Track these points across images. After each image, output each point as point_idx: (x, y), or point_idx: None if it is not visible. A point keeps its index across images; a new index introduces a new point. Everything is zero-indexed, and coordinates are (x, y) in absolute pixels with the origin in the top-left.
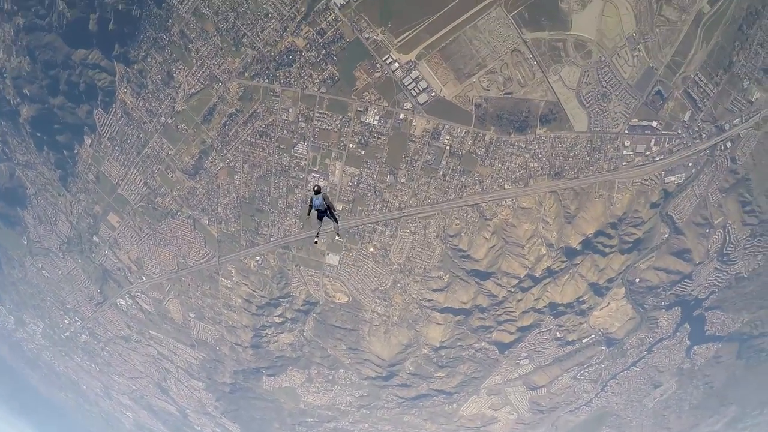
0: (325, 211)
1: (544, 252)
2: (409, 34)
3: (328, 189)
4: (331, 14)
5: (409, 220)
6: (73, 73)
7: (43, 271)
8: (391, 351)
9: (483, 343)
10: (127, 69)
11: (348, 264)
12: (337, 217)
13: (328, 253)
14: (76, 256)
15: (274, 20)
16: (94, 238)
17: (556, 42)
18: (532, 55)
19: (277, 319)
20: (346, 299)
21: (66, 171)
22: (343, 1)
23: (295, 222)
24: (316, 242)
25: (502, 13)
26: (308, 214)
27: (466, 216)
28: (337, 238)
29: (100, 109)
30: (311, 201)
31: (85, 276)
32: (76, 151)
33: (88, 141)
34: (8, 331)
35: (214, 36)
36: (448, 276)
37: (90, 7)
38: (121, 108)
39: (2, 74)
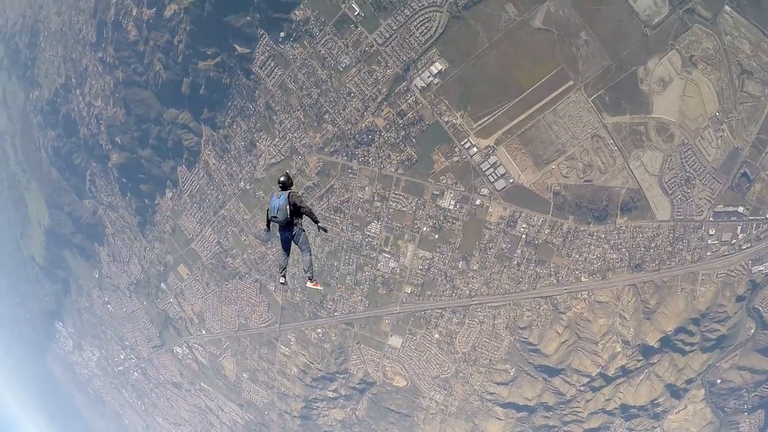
0: (292, 223)
1: (620, 349)
2: (489, 118)
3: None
4: (411, 96)
5: (479, 309)
6: (163, 130)
7: (108, 306)
8: None
9: None
10: (214, 132)
11: (410, 347)
12: (323, 228)
13: (391, 335)
14: (142, 298)
15: (356, 99)
16: (162, 285)
17: (637, 126)
18: (613, 140)
19: (330, 394)
20: (405, 383)
21: (145, 218)
22: (423, 84)
23: (361, 300)
24: (282, 282)
25: (582, 97)
26: (268, 227)
27: (539, 308)
28: (308, 281)
29: (184, 166)
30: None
31: (148, 318)
32: (156, 202)
33: (169, 194)
34: (65, 352)
35: (298, 110)
36: (514, 370)
37: (184, 70)
38: (203, 168)
39: (98, 121)
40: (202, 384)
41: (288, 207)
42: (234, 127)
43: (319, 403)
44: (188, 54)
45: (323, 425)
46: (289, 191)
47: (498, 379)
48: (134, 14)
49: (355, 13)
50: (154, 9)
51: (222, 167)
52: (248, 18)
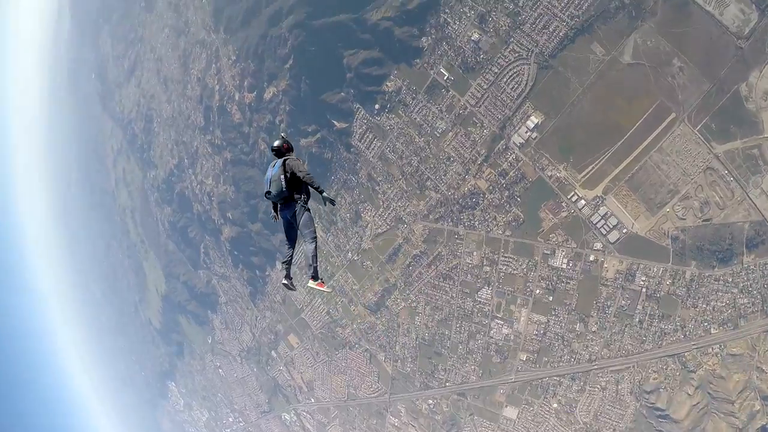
0: (292, 199)
1: (758, 408)
2: (593, 167)
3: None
4: (511, 154)
5: (600, 374)
6: (270, 205)
7: (220, 370)
8: None
9: None
10: (318, 207)
11: (527, 419)
12: (329, 199)
13: (506, 406)
14: (253, 365)
15: (456, 163)
16: (273, 353)
17: (750, 149)
18: (727, 171)
19: None
20: None
21: (256, 288)
22: (522, 140)
23: (474, 369)
24: (285, 284)
25: (686, 129)
26: (275, 212)
27: (666, 368)
28: (311, 279)
29: None
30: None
31: (257, 384)
32: (267, 273)
33: (279, 266)
34: (176, 410)
35: (400, 179)
36: None
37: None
38: None
39: (210, 198)
40: None
41: (283, 177)
42: (338, 199)
43: None
44: (290, 132)
45: None
46: (285, 157)
47: None
48: (237, 99)
49: (445, 78)
50: (255, 93)
51: (329, 239)
52: (343, 94)
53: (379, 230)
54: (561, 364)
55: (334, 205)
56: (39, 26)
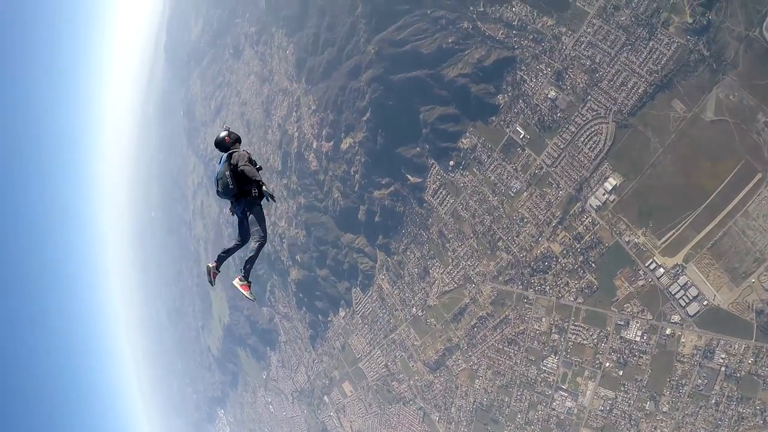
0: (242, 195)
1: None
2: (674, 233)
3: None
4: (587, 217)
5: None
6: (340, 253)
7: (270, 406)
8: None
9: None
10: (388, 258)
11: None
12: (269, 194)
13: None
14: (303, 407)
15: (529, 225)
16: (325, 397)
17: None
18: None
19: None
20: None
21: (317, 332)
22: (599, 203)
23: None
24: (208, 267)
25: None
26: (232, 208)
27: None
28: (238, 278)
29: (358, 288)
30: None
31: (305, 426)
32: (329, 318)
33: (342, 313)
34: None
35: (471, 238)
36: None
37: (360, 199)
38: (377, 292)
39: (282, 239)
40: None
41: (229, 172)
42: (408, 253)
43: None
44: (364, 183)
45: None
46: (230, 151)
47: None
48: (314, 147)
49: (521, 136)
50: (332, 142)
51: (395, 292)
52: (418, 149)
53: (446, 288)
54: None
55: (274, 201)
56: (136, 65)
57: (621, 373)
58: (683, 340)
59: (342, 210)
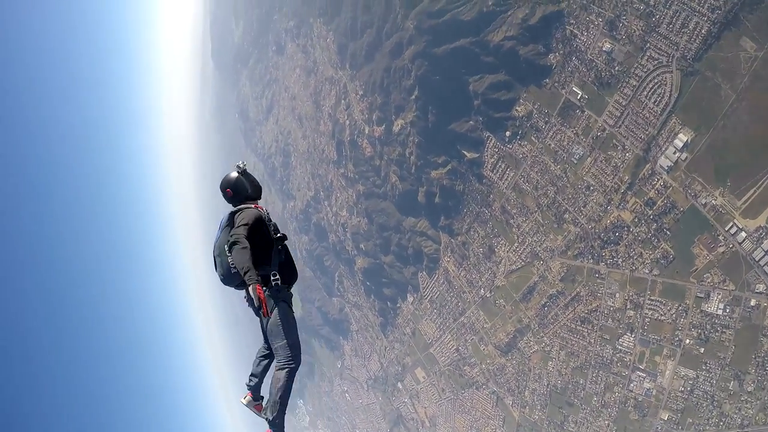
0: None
1: None
2: (755, 191)
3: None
4: (658, 180)
5: None
6: (403, 238)
7: (346, 395)
8: None
9: None
10: (452, 240)
11: None
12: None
13: None
14: (378, 394)
15: (596, 193)
16: (399, 384)
17: None
18: None
19: None
20: None
21: (387, 320)
22: (670, 163)
23: (608, 425)
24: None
25: None
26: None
27: None
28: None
29: (424, 272)
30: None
31: (381, 413)
32: (398, 305)
33: (410, 299)
34: (302, 427)
35: (535, 212)
36: None
37: (418, 181)
38: (443, 275)
39: (344, 229)
40: None
41: (227, 246)
42: (471, 233)
43: None
44: (420, 165)
45: None
46: (239, 208)
47: None
48: (366, 132)
49: (578, 97)
50: (383, 126)
51: (461, 274)
52: (471, 122)
53: (514, 267)
54: (708, 427)
55: (283, 305)
56: (187, 74)
57: (702, 350)
58: None
59: (401, 194)
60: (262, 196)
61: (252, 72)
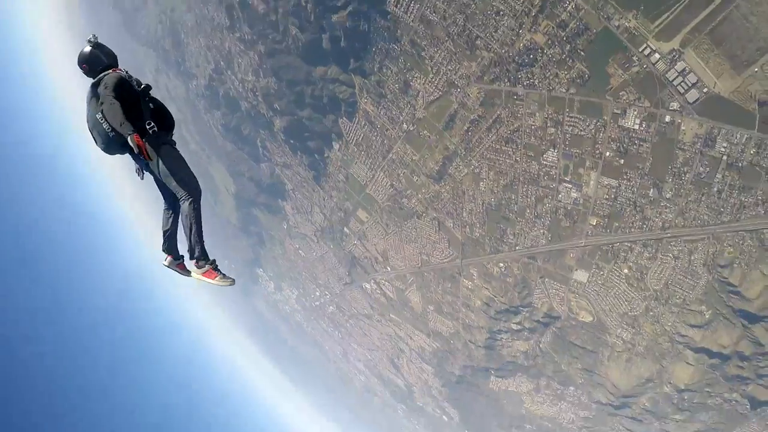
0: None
1: None
2: (668, 16)
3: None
4: (570, 2)
5: (673, 243)
6: (316, 88)
7: (300, 251)
8: (629, 381)
9: (735, 395)
10: (365, 81)
11: (597, 283)
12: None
13: (576, 269)
14: (329, 243)
15: (506, 17)
16: (345, 229)
17: None
18: None
19: (514, 326)
20: (591, 319)
21: (318, 172)
22: None
23: (543, 233)
24: (166, 266)
25: None
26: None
27: (742, 243)
28: (195, 263)
29: (344, 118)
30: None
31: (336, 260)
32: (326, 155)
33: (336, 146)
34: (268, 293)
35: (446, 41)
36: (710, 312)
37: (319, 28)
38: (363, 117)
39: (255, 93)
40: (391, 315)
41: (100, 114)
42: (384, 71)
43: (502, 335)
44: (318, 11)
45: (507, 355)
46: (100, 77)
47: (691, 321)
48: None
49: None
50: None
51: (381, 113)
52: None
53: (431, 97)
54: (633, 230)
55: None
56: None
57: (622, 161)
58: (683, 128)
59: (304, 45)
60: (118, 62)
61: None
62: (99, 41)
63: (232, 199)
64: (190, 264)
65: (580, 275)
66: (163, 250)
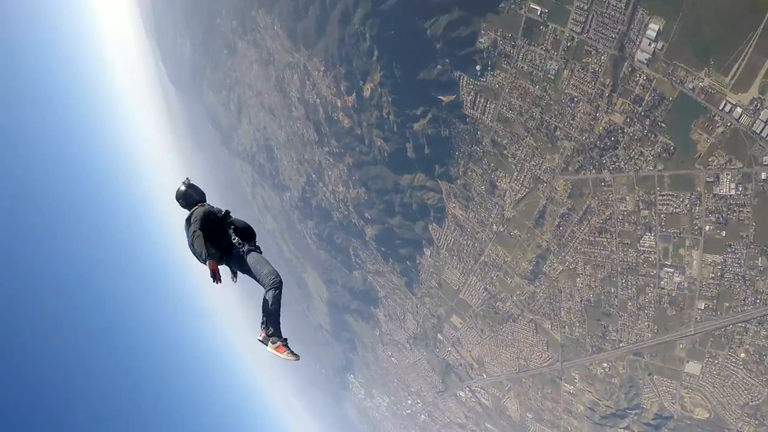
0: (230, 249)
1: None
2: (740, 64)
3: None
4: (640, 75)
5: None
6: (404, 196)
7: (392, 358)
8: None
9: None
10: (451, 185)
11: (712, 373)
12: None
13: (687, 361)
14: (422, 350)
15: (581, 103)
16: (438, 336)
17: None
18: None
19: None
20: (707, 415)
21: (410, 278)
22: (647, 55)
23: (648, 326)
24: (261, 341)
25: None
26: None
27: None
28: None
29: (433, 224)
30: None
31: (429, 367)
32: (417, 262)
33: (427, 252)
34: (358, 399)
35: (526, 137)
36: None
37: (403, 138)
38: (453, 221)
39: (345, 204)
40: (486, 425)
41: (190, 237)
42: (469, 173)
43: None
44: (400, 121)
45: None
46: (191, 211)
47: None
48: (339, 105)
49: (538, 13)
50: (354, 94)
51: (470, 216)
52: (439, 66)
53: (519, 195)
54: (745, 307)
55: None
56: (150, 100)
57: (724, 233)
58: None
59: (390, 155)
60: (206, 198)
61: (211, 81)
62: (191, 182)
63: (325, 305)
64: (268, 343)
65: (692, 367)
66: (265, 329)
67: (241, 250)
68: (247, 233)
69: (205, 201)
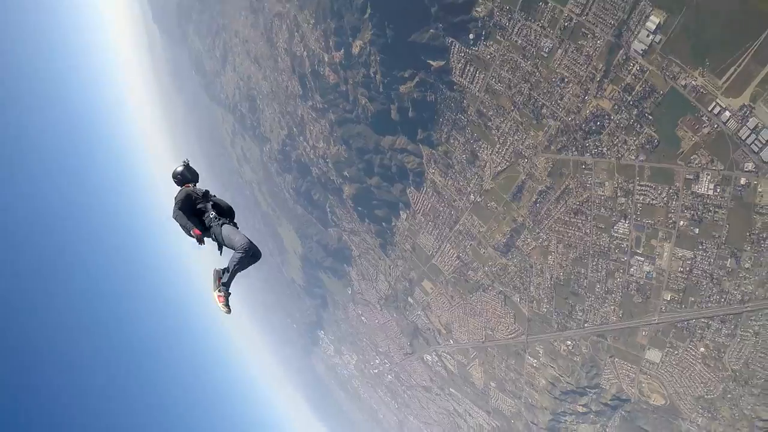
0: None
1: None
2: (736, 69)
3: None
4: (634, 65)
5: (753, 317)
6: (384, 157)
7: (362, 318)
8: None
9: None
10: (433, 151)
11: (671, 363)
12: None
13: (649, 348)
14: (392, 311)
15: (571, 84)
16: (409, 299)
17: None
18: None
19: (580, 408)
20: (663, 402)
21: (385, 240)
22: (644, 46)
23: (614, 310)
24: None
25: None
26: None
27: None
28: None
29: (412, 188)
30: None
31: (398, 329)
32: (393, 224)
33: (403, 216)
34: (327, 356)
35: (512, 111)
36: None
37: (389, 99)
38: (431, 187)
39: (325, 160)
40: (450, 389)
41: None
42: (451, 141)
43: (567, 417)
44: (387, 82)
45: None
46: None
47: None
48: (327, 60)
49: None
50: (342, 50)
51: (449, 183)
52: (432, 30)
53: (499, 168)
54: (709, 304)
55: (218, 226)
56: (132, 42)
57: (697, 231)
58: (760, 190)
59: (374, 115)
60: (198, 179)
61: (198, 26)
62: (189, 164)
63: (299, 260)
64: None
65: (653, 355)
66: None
67: (217, 223)
68: (225, 211)
69: (197, 181)
